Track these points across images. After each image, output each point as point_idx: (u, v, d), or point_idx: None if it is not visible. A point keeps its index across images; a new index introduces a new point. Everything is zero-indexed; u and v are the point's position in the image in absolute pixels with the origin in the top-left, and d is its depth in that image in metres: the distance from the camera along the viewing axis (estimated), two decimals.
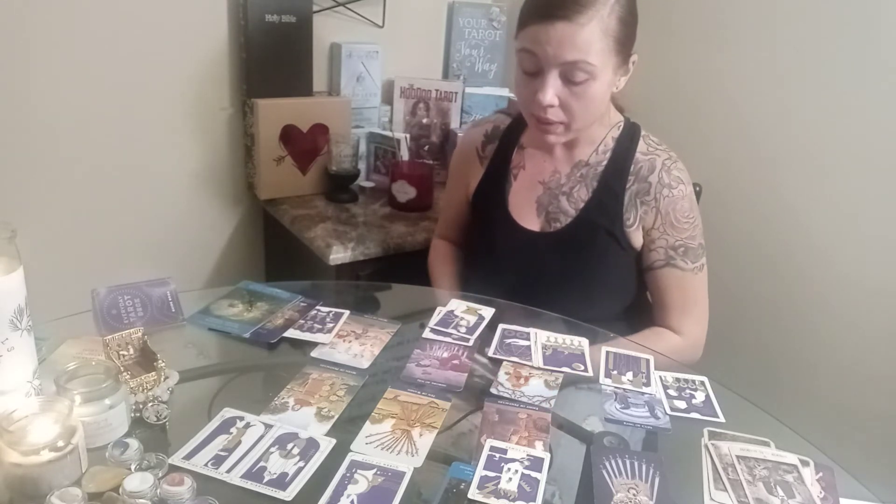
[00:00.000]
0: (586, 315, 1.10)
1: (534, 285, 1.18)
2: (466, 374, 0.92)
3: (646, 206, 1.15)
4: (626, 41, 1.06)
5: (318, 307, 1.06)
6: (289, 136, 1.71)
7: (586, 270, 1.18)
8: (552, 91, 1.06)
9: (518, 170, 1.24)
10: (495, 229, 1.24)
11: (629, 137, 1.19)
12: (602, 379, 0.94)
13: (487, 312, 1.08)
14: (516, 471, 0.74)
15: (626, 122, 1.20)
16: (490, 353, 0.98)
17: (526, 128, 1.23)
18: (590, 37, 1.02)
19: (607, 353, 1.00)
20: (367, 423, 0.81)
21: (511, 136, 1.27)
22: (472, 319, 1.06)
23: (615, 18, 1.03)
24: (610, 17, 1.02)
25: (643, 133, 1.20)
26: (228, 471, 0.72)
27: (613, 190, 1.16)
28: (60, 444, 0.66)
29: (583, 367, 0.96)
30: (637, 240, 1.17)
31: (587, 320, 1.09)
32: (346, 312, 1.05)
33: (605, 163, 1.18)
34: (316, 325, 1.01)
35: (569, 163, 1.20)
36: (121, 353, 0.85)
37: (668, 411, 0.88)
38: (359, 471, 0.73)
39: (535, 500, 0.70)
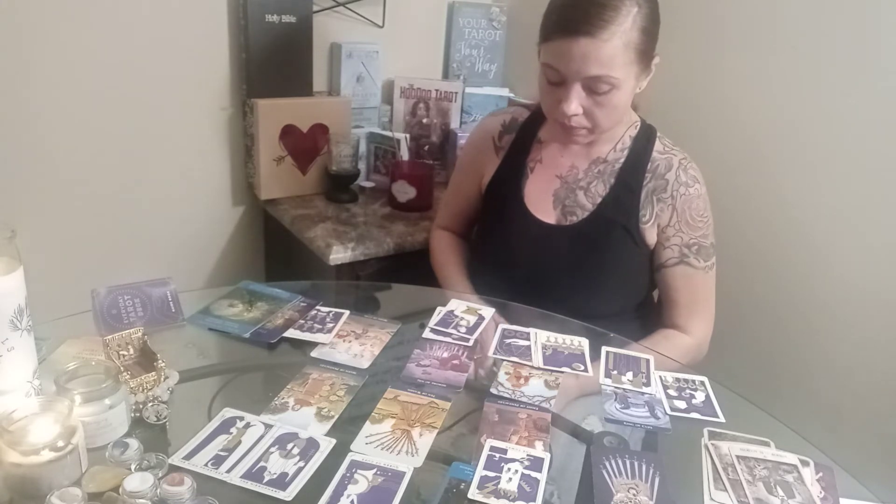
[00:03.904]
0: (596, 310, 1.10)
1: (546, 278, 1.19)
2: (466, 374, 0.92)
3: (662, 204, 1.16)
4: (648, 49, 1.07)
5: (318, 307, 1.06)
6: (289, 136, 1.71)
7: (600, 265, 1.18)
8: (576, 102, 1.07)
9: (535, 163, 1.24)
10: (510, 220, 1.24)
11: (646, 137, 1.20)
12: (602, 379, 0.94)
13: (487, 312, 1.08)
14: (516, 471, 0.74)
15: (642, 122, 1.22)
16: (490, 353, 0.98)
17: (544, 122, 1.23)
18: (613, 52, 1.02)
19: (607, 353, 1.00)
20: (367, 423, 0.81)
21: (529, 128, 1.27)
22: (472, 319, 1.06)
23: (637, 30, 1.03)
24: (632, 30, 1.03)
25: (658, 134, 1.21)
26: (228, 471, 0.72)
27: (630, 186, 1.17)
28: (60, 444, 0.66)
29: (583, 367, 0.96)
30: (651, 237, 1.18)
31: (597, 315, 1.09)
32: (346, 312, 1.05)
33: (622, 160, 1.19)
34: (316, 325, 1.01)
35: (587, 159, 1.21)
36: (121, 353, 0.85)
37: (668, 411, 0.88)
38: (359, 471, 0.73)
39: (535, 500, 0.70)
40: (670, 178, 1.16)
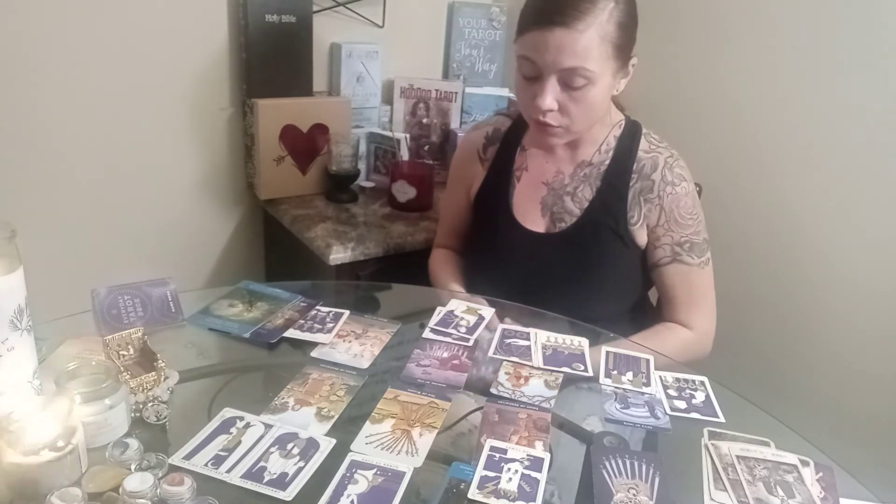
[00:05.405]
0: (591, 315, 1.10)
1: (539, 286, 1.18)
2: (466, 374, 0.92)
3: (650, 204, 1.16)
4: (625, 45, 1.07)
5: (318, 307, 1.06)
6: (289, 136, 1.71)
7: (592, 269, 1.18)
8: (551, 96, 1.06)
9: (521, 171, 1.24)
10: (498, 232, 1.24)
11: (630, 136, 1.19)
12: (602, 379, 0.94)
13: (487, 312, 1.08)
14: (516, 471, 0.74)
15: (626, 121, 1.21)
16: (490, 353, 0.98)
17: (527, 129, 1.23)
18: (588, 43, 1.02)
19: (607, 353, 1.00)
20: (367, 423, 0.81)
21: (512, 137, 1.27)
22: (472, 319, 1.06)
23: (614, 24, 1.03)
24: (609, 23, 1.02)
25: (644, 131, 1.20)
26: (228, 471, 0.72)
27: (617, 188, 1.17)
28: (60, 444, 0.66)
29: (583, 367, 0.96)
30: (641, 238, 1.17)
31: (592, 320, 1.09)
32: (346, 312, 1.05)
33: (607, 162, 1.18)
34: (316, 325, 1.01)
35: (572, 163, 1.20)
36: (121, 353, 0.85)
37: (668, 411, 0.88)
38: (359, 471, 0.73)
39: (535, 500, 0.70)
40: (656, 179, 1.15)
